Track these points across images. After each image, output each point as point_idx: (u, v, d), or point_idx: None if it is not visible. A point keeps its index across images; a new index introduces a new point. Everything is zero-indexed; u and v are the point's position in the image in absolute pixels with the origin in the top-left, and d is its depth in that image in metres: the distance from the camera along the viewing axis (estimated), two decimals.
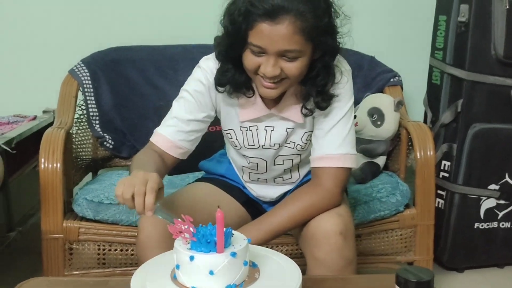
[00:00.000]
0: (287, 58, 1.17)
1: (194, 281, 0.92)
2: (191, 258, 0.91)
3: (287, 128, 1.36)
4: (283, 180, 1.48)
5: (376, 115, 1.88)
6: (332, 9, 1.21)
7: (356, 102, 1.99)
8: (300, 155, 1.43)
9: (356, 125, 1.88)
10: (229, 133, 1.40)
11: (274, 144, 1.38)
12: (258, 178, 1.48)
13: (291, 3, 1.12)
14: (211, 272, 0.90)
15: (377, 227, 1.73)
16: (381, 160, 1.90)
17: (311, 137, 1.37)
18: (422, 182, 1.73)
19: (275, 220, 1.30)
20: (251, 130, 1.37)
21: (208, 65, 1.32)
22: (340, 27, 1.23)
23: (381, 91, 2.05)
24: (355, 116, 1.87)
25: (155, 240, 1.24)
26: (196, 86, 1.33)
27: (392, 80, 2.07)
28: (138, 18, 2.20)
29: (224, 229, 0.96)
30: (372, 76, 2.11)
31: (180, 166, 1.46)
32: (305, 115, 1.30)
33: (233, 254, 0.91)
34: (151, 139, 1.36)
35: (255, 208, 1.52)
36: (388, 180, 1.82)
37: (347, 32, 1.24)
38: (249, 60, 1.20)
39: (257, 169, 1.45)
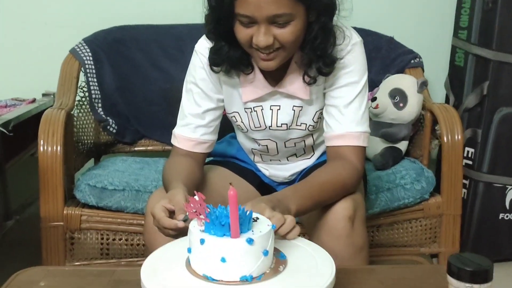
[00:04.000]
0: (278, 24, 1.10)
1: (205, 268, 0.80)
2: (202, 241, 0.80)
3: (293, 106, 1.28)
4: (296, 157, 1.40)
5: (398, 97, 1.76)
6: None
7: (375, 85, 1.88)
8: (312, 134, 1.35)
9: (376, 107, 1.76)
10: (234, 116, 1.33)
11: (282, 124, 1.30)
12: (270, 159, 1.41)
13: None
14: (223, 259, 0.78)
15: (400, 216, 1.62)
16: (403, 146, 1.78)
17: (322, 115, 1.29)
18: (448, 169, 1.62)
19: (312, 188, 1.15)
20: (255, 111, 1.30)
21: (203, 47, 1.25)
22: None
23: (401, 73, 1.93)
24: (375, 98, 1.78)
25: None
26: (198, 74, 1.28)
27: (412, 61, 1.95)
28: None
29: (246, 211, 0.84)
30: (392, 57, 1.99)
31: None
32: (309, 83, 1.22)
33: (250, 241, 0.79)
34: (173, 142, 1.32)
35: (268, 191, 1.42)
36: (412, 166, 1.70)
37: None
38: (240, 32, 1.13)
39: (268, 152, 1.38)
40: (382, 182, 1.61)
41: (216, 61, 1.22)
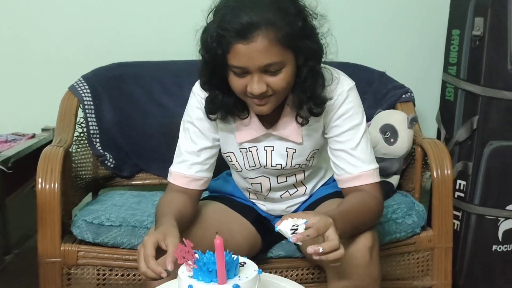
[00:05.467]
0: (271, 72, 1.15)
1: None
2: (190, 287, 0.83)
3: (287, 147, 1.33)
4: (290, 195, 1.45)
5: (389, 132, 1.80)
6: (306, 12, 1.18)
7: (367, 119, 1.90)
8: (304, 171, 1.41)
9: None
10: (229, 156, 1.38)
11: (276, 164, 1.36)
12: (264, 198, 1.46)
13: (260, 17, 1.11)
14: None
15: (393, 250, 1.64)
16: (394, 180, 1.82)
17: (315, 154, 1.37)
18: (439, 203, 1.65)
19: (351, 215, 1.20)
20: (250, 151, 1.35)
21: (200, 89, 1.31)
22: (319, 28, 1.21)
23: (392, 107, 1.98)
24: None
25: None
26: (195, 114, 1.33)
27: (404, 96, 2.00)
28: (141, 33, 2.15)
29: (236, 257, 0.88)
30: (383, 92, 2.04)
31: None
32: (301, 124, 1.28)
33: (236, 287, 0.83)
34: (168, 179, 1.37)
35: (264, 225, 1.49)
36: (403, 200, 1.74)
37: (326, 32, 1.22)
38: (235, 82, 1.19)
39: (261, 191, 1.43)
40: None
41: (211, 109, 1.28)
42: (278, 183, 1.41)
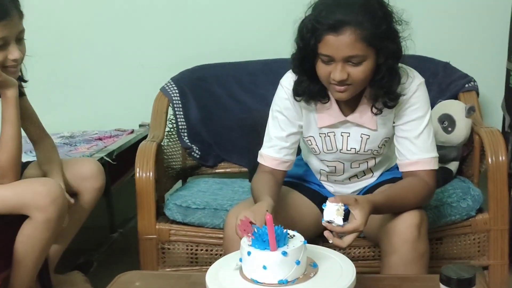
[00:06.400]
0: (352, 63, 1.32)
1: (252, 273, 1.06)
2: (249, 253, 1.06)
3: (361, 133, 1.50)
4: (357, 178, 1.62)
5: (447, 122, 1.91)
6: (391, 17, 1.35)
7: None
8: (375, 158, 1.56)
9: None
10: (310, 139, 1.55)
11: (351, 148, 1.52)
12: (335, 180, 1.63)
13: (351, 16, 1.29)
14: (264, 267, 1.04)
15: (449, 231, 1.76)
16: (453, 166, 1.92)
17: (386, 142, 1.52)
18: (494, 187, 1.74)
19: (390, 193, 1.40)
20: (329, 136, 1.52)
21: (288, 81, 1.50)
22: (401, 32, 1.37)
23: (455, 97, 2.06)
24: None
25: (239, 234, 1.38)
26: (283, 104, 1.51)
27: (467, 85, 2.07)
28: (220, 37, 2.37)
29: (286, 230, 1.09)
30: (447, 82, 2.12)
31: None
32: (375, 114, 1.44)
33: (284, 253, 1.04)
34: (259, 160, 1.56)
35: None
36: (460, 185, 1.84)
37: (407, 36, 1.38)
38: (321, 69, 1.36)
39: (335, 172, 1.59)
40: (431, 200, 1.76)
41: (298, 91, 1.46)
42: (351, 167, 1.58)
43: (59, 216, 1.43)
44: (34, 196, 1.40)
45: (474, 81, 2.09)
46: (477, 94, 2.08)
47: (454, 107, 1.93)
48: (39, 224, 1.41)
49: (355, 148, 1.51)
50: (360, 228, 1.23)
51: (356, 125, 1.48)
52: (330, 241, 1.24)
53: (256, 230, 1.08)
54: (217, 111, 2.23)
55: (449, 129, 1.90)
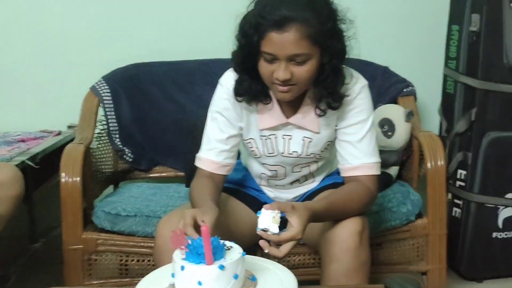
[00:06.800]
0: (296, 62, 1.27)
1: None
2: (182, 268, 0.96)
3: (304, 136, 1.45)
4: (299, 183, 1.57)
5: (387, 126, 1.90)
6: (336, 16, 1.31)
7: None
8: (317, 162, 1.52)
9: None
10: (250, 142, 1.49)
11: (293, 152, 1.47)
12: (276, 185, 1.57)
13: (296, 13, 1.24)
14: (200, 283, 0.95)
15: (389, 236, 1.74)
16: (393, 170, 1.91)
17: (328, 146, 1.48)
18: (433, 192, 1.74)
19: (330, 199, 1.35)
20: (270, 138, 1.46)
21: (228, 81, 1.43)
22: (345, 31, 1.33)
23: (394, 101, 2.06)
24: None
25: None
26: (222, 104, 1.45)
27: (405, 90, 2.09)
28: (155, 35, 2.27)
29: (222, 241, 1.00)
30: (386, 86, 2.12)
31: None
32: (319, 116, 1.39)
33: (221, 267, 0.96)
34: (197, 164, 1.48)
35: None
36: (400, 190, 1.83)
37: (351, 35, 1.35)
38: (264, 68, 1.31)
39: (276, 176, 1.54)
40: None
41: (239, 91, 1.40)
42: (292, 172, 1.52)
43: None
44: None
45: (412, 85, 2.11)
46: (415, 98, 2.09)
47: (394, 112, 1.92)
48: None
49: (297, 152, 1.47)
50: (297, 236, 1.17)
51: (298, 127, 1.44)
52: (266, 251, 1.17)
53: (190, 242, 0.99)
54: (151, 112, 2.14)
55: (389, 133, 1.89)
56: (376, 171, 1.42)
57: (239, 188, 1.63)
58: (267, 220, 1.15)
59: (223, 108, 1.45)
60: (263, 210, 1.16)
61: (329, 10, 1.29)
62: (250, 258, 1.11)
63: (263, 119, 1.44)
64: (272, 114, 1.43)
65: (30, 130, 2.23)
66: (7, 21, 2.27)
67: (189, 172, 2.01)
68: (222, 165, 1.46)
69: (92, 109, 2.02)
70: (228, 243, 1.04)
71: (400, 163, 1.94)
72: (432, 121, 2.24)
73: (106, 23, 2.27)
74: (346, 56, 1.34)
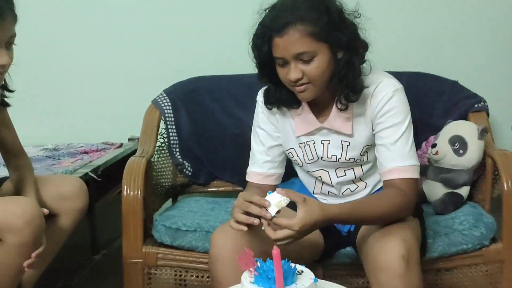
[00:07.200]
0: (304, 60, 1.32)
1: None
2: None
3: (342, 140, 1.46)
4: (351, 191, 1.54)
5: (458, 144, 1.80)
6: (339, 9, 1.35)
7: (437, 130, 1.93)
8: (361, 166, 1.50)
9: (436, 153, 1.81)
10: (290, 152, 1.52)
11: (332, 156, 1.48)
12: (328, 191, 1.56)
13: (294, 15, 1.31)
14: None
15: (459, 261, 1.64)
16: (464, 191, 1.80)
17: (368, 150, 1.47)
18: (509, 215, 1.63)
19: (357, 201, 1.40)
20: (308, 145, 1.49)
21: (260, 95, 1.53)
22: (359, 24, 1.37)
23: (464, 117, 1.96)
24: (435, 145, 1.83)
25: (226, 252, 1.31)
26: (259, 118, 1.54)
27: (476, 105, 1.97)
28: (216, 48, 2.27)
29: (294, 265, 0.96)
30: (454, 101, 2.02)
31: None
32: (340, 110, 1.41)
33: None
34: (246, 179, 1.55)
35: (327, 228, 1.54)
36: (471, 211, 1.73)
37: (367, 29, 1.39)
38: (280, 73, 1.38)
39: (322, 181, 1.54)
40: (439, 227, 1.65)
41: (269, 100, 1.48)
42: (337, 176, 1.51)
43: (35, 240, 1.29)
44: (7, 216, 1.26)
45: (484, 101, 1.99)
46: (487, 114, 1.98)
47: (465, 128, 1.82)
48: (12, 248, 1.27)
49: (336, 155, 1.48)
50: (293, 227, 1.20)
51: (334, 131, 1.46)
52: (263, 228, 1.22)
53: (259, 265, 0.94)
54: (210, 126, 2.12)
55: (461, 151, 1.79)
56: (412, 174, 1.38)
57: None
58: (271, 201, 1.21)
59: (260, 121, 1.53)
60: (274, 192, 1.23)
61: (326, 6, 1.33)
62: (321, 283, 1.05)
63: (298, 126, 1.48)
64: (306, 120, 1.46)
65: (92, 142, 2.28)
66: (73, 36, 2.33)
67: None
68: (267, 175, 1.52)
69: (154, 122, 2.02)
70: (299, 267, 0.99)
71: (471, 183, 1.83)
72: (506, 138, 2.11)
73: (168, 37, 2.30)
74: (365, 51, 1.38)
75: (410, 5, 2.20)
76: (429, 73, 2.08)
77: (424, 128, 1.96)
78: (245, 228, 1.25)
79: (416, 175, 1.39)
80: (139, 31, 2.30)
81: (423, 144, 1.95)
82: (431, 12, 2.20)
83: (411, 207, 1.38)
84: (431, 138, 1.93)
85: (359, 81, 1.37)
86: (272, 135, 1.52)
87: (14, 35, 1.32)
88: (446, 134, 1.84)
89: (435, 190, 1.81)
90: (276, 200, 1.21)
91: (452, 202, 1.76)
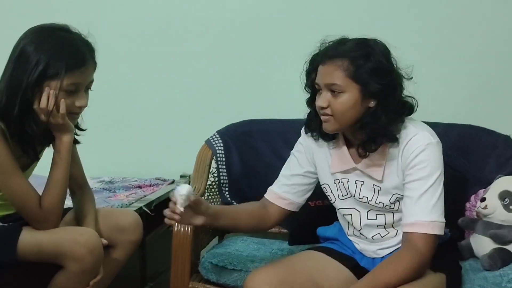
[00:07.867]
0: (334, 92, 1.41)
1: None
2: None
3: (374, 184, 1.50)
4: (381, 237, 1.55)
5: (508, 199, 1.78)
6: (384, 58, 1.41)
7: (488, 184, 1.91)
8: (393, 213, 1.52)
9: (485, 208, 1.79)
10: (325, 187, 1.60)
11: (363, 197, 1.52)
12: (359, 234, 1.58)
13: (339, 49, 1.43)
14: None
15: None
16: None
17: (400, 199, 1.48)
18: None
19: (374, 282, 1.40)
20: (342, 182, 1.55)
21: (303, 128, 1.62)
22: (404, 85, 1.44)
23: None
24: (484, 199, 1.81)
25: None
26: (297, 147, 1.65)
27: None
28: (270, 93, 2.35)
29: None
30: (507, 156, 1.99)
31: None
32: (360, 155, 1.46)
33: None
34: (264, 195, 1.67)
35: (363, 273, 1.54)
36: None
37: (410, 92, 1.47)
38: (316, 98, 1.47)
39: (352, 222, 1.57)
40: (487, 284, 1.61)
41: (310, 125, 1.56)
42: (368, 218, 1.53)
43: (94, 269, 1.37)
44: (72, 245, 1.35)
45: None
46: None
47: None
48: (74, 275, 1.35)
49: (367, 197, 1.51)
50: None
51: (366, 174, 1.50)
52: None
53: None
54: (260, 168, 2.17)
55: (511, 207, 1.77)
56: (433, 230, 1.38)
57: (333, 247, 1.63)
58: (183, 192, 1.35)
59: (296, 150, 1.64)
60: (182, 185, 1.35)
61: (369, 51, 1.40)
62: None
63: (334, 163, 1.54)
64: (341, 158, 1.52)
65: (145, 177, 2.37)
66: (136, 75, 2.47)
67: (293, 230, 2.03)
68: (280, 197, 1.61)
69: (206, 161, 2.10)
70: None
71: None
72: None
73: (223, 80, 2.40)
74: (402, 110, 1.43)
75: (462, 60, 2.22)
76: (481, 127, 2.07)
77: (474, 181, 1.95)
78: (173, 222, 1.40)
79: (437, 231, 1.39)
80: (198, 75, 2.41)
81: (472, 197, 1.94)
82: (483, 65, 2.21)
83: (426, 265, 1.41)
84: (480, 191, 1.92)
85: (380, 134, 1.42)
86: (301, 165, 1.61)
87: (92, 81, 1.47)
88: (496, 188, 1.83)
89: (484, 245, 1.79)
90: (186, 192, 1.34)
91: (501, 259, 1.72)
